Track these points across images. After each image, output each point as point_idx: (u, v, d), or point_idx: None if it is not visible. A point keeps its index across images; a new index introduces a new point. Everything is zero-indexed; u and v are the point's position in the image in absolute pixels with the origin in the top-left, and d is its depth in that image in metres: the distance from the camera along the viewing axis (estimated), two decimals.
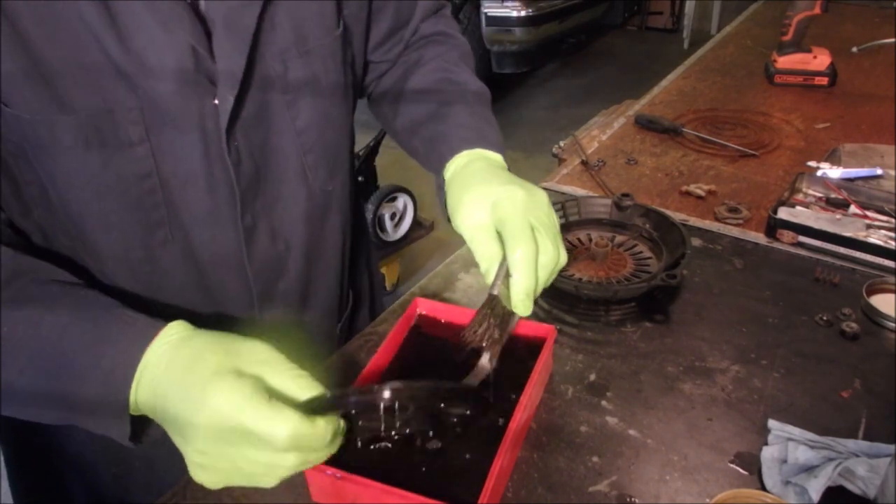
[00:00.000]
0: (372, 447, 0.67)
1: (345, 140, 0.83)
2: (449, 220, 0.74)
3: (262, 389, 0.54)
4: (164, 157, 0.67)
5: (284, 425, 0.52)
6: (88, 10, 0.59)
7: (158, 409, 0.56)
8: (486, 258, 0.66)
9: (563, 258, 0.68)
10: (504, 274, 0.64)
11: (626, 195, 1.08)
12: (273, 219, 0.77)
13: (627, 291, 0.94)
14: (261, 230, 0.76)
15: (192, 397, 0.54)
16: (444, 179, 0.77)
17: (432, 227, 2.92)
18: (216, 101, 0.66)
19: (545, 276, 0.66)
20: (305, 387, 0.56)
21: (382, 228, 2.74)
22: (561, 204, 1.06)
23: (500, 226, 0.66)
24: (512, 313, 0.67)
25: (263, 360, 0.56)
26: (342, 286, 0.93)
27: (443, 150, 0.78)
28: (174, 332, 0.58)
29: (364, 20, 0.83)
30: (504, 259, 0.65)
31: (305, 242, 0.81)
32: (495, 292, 0.65)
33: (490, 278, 0.66)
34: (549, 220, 0.67)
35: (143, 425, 0.61)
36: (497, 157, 0.78)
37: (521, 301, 0.64)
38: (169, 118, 0.65)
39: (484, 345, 0.67)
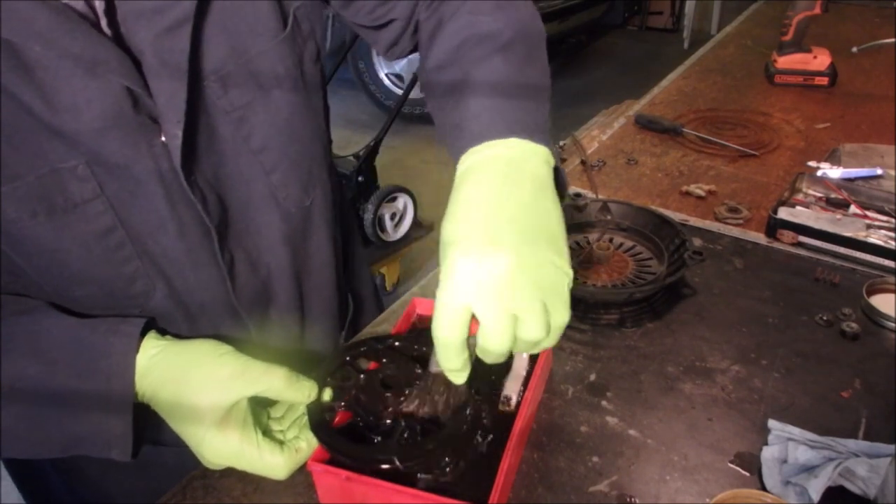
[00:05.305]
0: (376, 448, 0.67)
1: (317, 147, 0.76)
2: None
3: (250, 431, 0.62)
4: (125, 208, 0.62)
5: (281, 470, 0.63)
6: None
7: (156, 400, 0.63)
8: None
9: (546, 334, 0.55)
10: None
11: (577, 195, 1.08)
12: (249, 249, 0.72)
13: (643, 290, 0.93)
14: (239, 263, 0.72)
15: (189, 440, 0.62)
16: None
17: (432, 228, 2.92)
18: (163, 139, 0.61)
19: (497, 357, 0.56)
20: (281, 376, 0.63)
21: (382, 228, 2.73)
22: None
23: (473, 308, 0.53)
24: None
25: (229, 375, 0.61)
26: (340, 295, 0.89)
27: (454, 148, 0.63)
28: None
29: (319, 7, 0.73)
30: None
31: (290, 265, 0.76)
32: (434, 370, 0.61)
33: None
34: (530, 306, 0.53)
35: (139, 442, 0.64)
36: (520, 150, 0.59)
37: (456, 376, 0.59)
38: (119, 168, 0.60)
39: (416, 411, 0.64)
